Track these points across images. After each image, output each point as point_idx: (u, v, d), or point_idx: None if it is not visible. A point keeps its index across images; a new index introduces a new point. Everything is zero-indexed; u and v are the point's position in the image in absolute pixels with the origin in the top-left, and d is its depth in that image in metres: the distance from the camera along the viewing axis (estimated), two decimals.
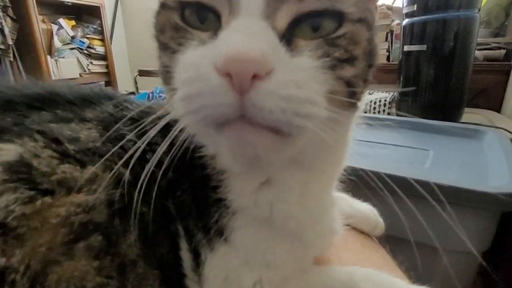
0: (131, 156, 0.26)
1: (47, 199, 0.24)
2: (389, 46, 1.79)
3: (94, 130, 0.30)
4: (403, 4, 1.29)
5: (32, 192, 0.24)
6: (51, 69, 2.68)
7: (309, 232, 0.32)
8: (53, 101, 0.31)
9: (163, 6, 0.28)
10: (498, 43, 1.50)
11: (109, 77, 3.16)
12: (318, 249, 0.35)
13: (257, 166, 0.26)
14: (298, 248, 0.32)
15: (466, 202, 0.63)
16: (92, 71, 3.02)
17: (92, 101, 0.33)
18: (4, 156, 0.25)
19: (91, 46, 2.98)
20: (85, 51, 2.96)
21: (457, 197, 0.63)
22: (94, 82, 3.07)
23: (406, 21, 1.26)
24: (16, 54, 2.55)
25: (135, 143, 0.26)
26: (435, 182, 0.63)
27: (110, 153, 0.27)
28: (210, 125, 0.21)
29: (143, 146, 0.26)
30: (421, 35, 1.21)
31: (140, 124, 0.27)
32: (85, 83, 3.00)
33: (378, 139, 1.00)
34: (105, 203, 0.26)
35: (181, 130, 0.24)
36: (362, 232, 0.49)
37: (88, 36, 2.97)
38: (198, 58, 0.22)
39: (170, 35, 0.26)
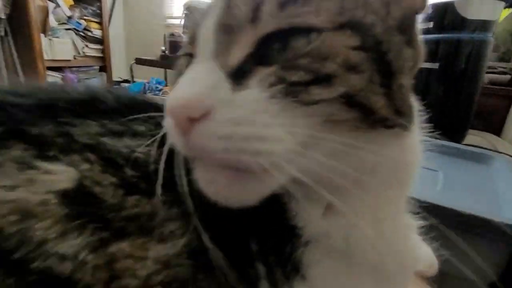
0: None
1: (124, 246, 0.19)
2: None
3: (150, 148, 0.24)
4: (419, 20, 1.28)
5: (104, 234, 0.18)
6: (44, 49, 2.55)
7: (391, 263, 0.27)
8: (96, 108, 0.26)
9: (183, 54, 0.29)
10: (504, 68, 1.52)
11: (104, 62, 3.05)
12: (402, 282, 0.30)
13: (236, 204, 0.22)
14: (381, 284, 0.28)
15: (480, 231, 0.62)
16: (87, 54, 2.90)
17: (140, 111, 0.27)
18: (59, 183, 0.19)
19: (88, 28, 2.86)
20: (81, 33, 2.83)
21: (472, 225, 0.62)
22: (89, 66, 2.96)
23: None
24: (8, 30, 2.43)
25: None
26: (453, 207, 0.62)
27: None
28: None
29: None
30: (434, 52, 1.20)
31: None
32: (79, 66, 2.89)
33: None
34: (185, 251, 0.20)
35: None
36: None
37: (85, 17, 2.84)
38: None
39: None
